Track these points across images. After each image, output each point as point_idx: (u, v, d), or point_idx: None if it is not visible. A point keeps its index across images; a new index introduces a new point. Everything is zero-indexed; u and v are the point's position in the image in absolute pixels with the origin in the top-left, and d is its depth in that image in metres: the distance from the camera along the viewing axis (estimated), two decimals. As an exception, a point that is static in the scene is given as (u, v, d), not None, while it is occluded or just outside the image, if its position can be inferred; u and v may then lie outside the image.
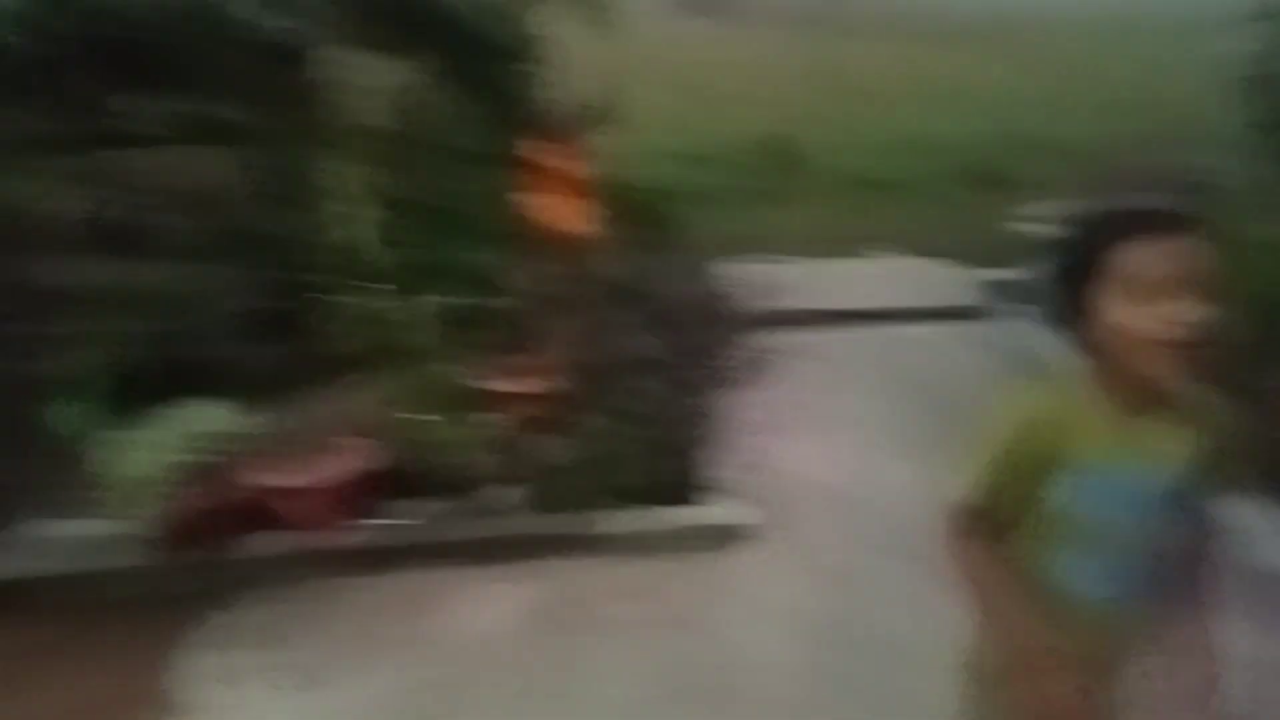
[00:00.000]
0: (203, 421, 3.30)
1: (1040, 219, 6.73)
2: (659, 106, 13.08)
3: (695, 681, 2.84)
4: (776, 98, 12.67)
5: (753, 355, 4.50)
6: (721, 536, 3.51)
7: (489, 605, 3.21)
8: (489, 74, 4.00)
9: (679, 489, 3.61)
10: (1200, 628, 1.57)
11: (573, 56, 4.31)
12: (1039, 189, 7.70)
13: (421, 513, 3.50)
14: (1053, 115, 11.50)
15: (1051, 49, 19.98)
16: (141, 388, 3.34)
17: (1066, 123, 10.84)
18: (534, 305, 3.88)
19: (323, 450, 3.42)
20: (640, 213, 4.35)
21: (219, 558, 3.30)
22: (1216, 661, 1.56)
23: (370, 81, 3.77)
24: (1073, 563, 1.47)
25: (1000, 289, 6.04)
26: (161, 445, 3.20)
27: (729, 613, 3.16)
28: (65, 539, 3.34)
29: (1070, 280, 1.42)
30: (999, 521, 1.49)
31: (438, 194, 3.87)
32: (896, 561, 3.31)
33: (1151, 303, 1.32)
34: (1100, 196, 1.46)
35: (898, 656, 2.87)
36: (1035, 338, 5.27)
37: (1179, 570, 1.53)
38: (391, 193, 3.77)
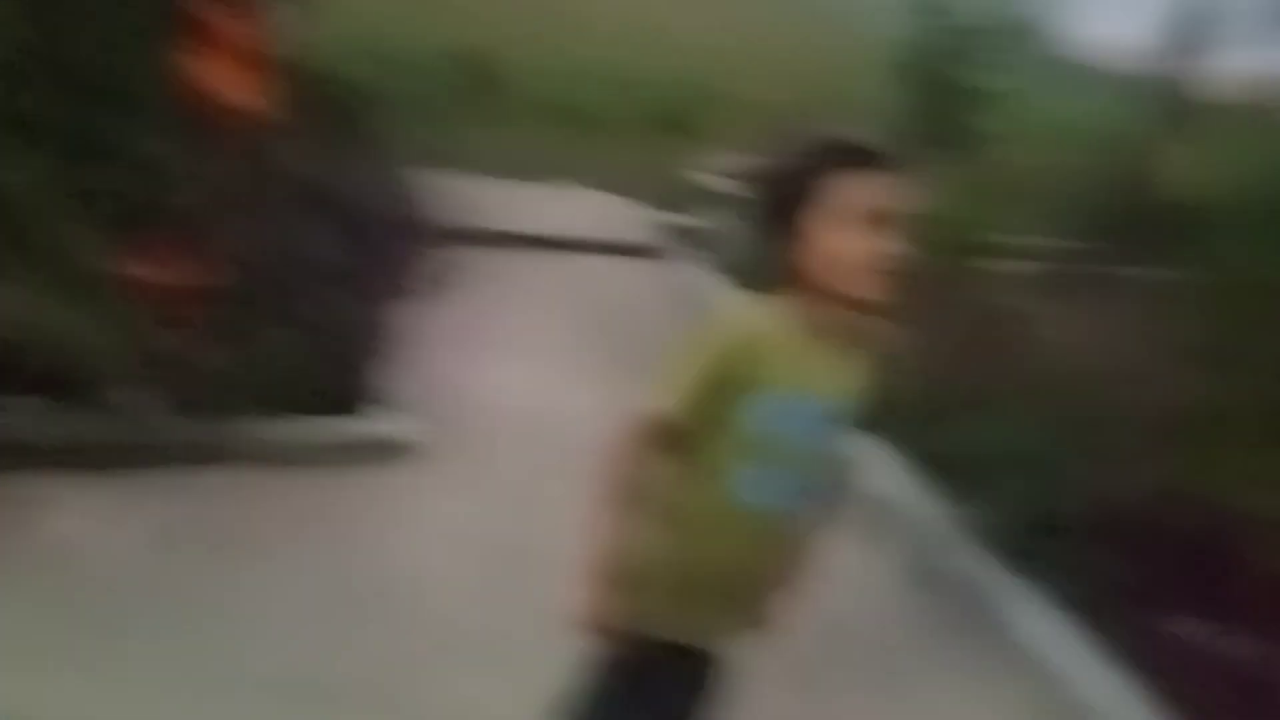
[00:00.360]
0: None
1: (717, 171, 7.17)
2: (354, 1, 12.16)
3: (349, 599, 2.71)
4: (481, 14, 12.25)
5: (437, 270, 4.35)
6: (387, 451, 3.39)
7: (109, 519, 2.84)
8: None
9: (344, 400, 3.42)
10: (818, 540, 1.74)
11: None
12: (716, 140, 8.18)
13: (29, 411, 3.02)
14: (733, 70, 12.12)
15: (744, 6, 21.11)
16: None
17: (744, 80, 11.47)
18: (189, 185, 3.44)
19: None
20: (326, 104, 4.00)
21: None
22: (811, 571, 1.75)
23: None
24: (749, 477, 1.53)
25: (677, 232, 6.35)
26: None
27: (389, 529, 3.06)
28: None
29: (783, 205, 1.47)
30: (681, 436, 1.52)
31: (62, 45, 3.26)
32: (568, 483, 3.35)
33: (858, 232, 1.41)
34: (780, 150, 1.52)
35: (562, 574, 2.88)
36: (706, 281, 5.63)
37: (826, 489, 1.66)
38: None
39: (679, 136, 8.89)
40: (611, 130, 8.84)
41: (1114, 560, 3.15)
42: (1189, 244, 6.08)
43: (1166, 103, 7.44)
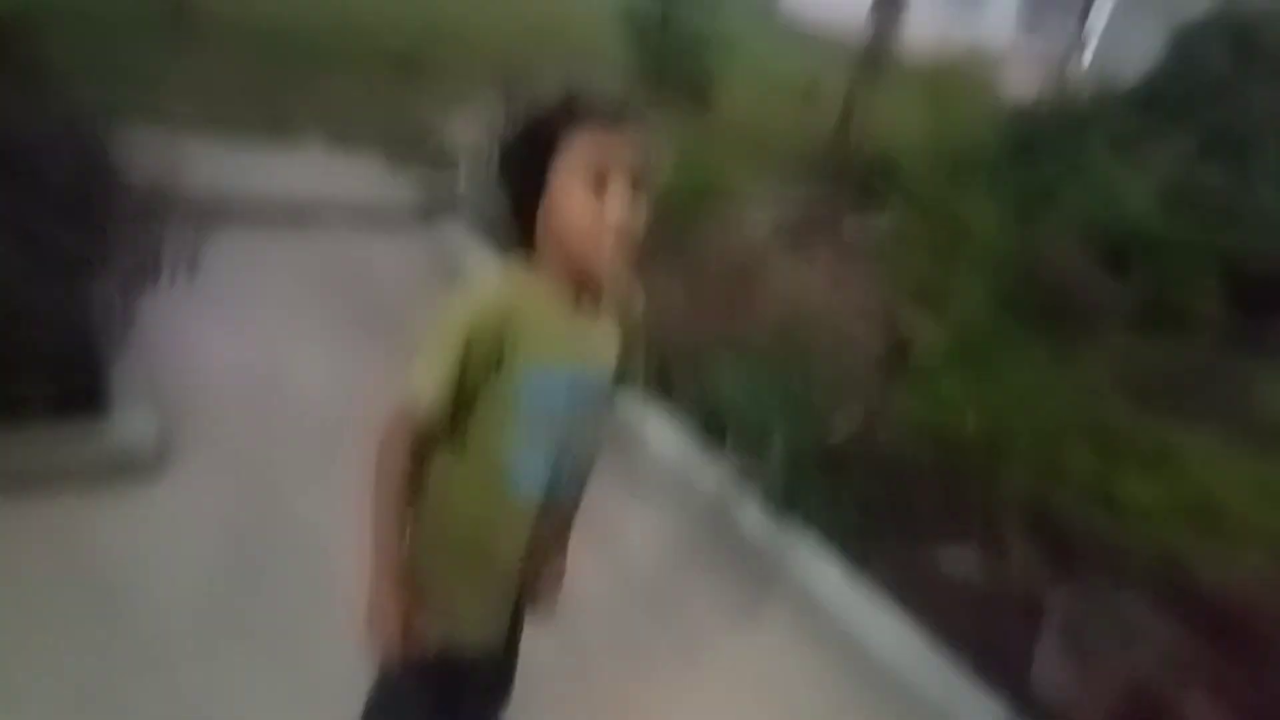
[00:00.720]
0: None
1: (462, 125, 6.91)
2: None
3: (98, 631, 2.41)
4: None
5: (156, 245, 3.85)
6: (124, 459, 2.98)
7: None
8: None
9: (55, 402, 2.92)
10: (573, 515, 1.73)
11: None
12: (452, 89, 7.77)
13: None
14: (463, 12, 11.58)
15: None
16: None
17: (474, 22, 10.99)
18: None
19: None
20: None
21: None
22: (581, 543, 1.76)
23: None
24: (517, 458, 1.49)
25: (428, 192, 6.08)
26: None
27: (131, 546, 2.71)
28: None
29: (526, 162, 1.44)
30: (442, 424, 1.45)
31: None
32: (324, 464, 3.18)
33: (601, 191, 1.39)
34: (525, 106, 1.50)
35: (323, 560, 2.72)
36: (463, 245, 5.45)
37: (591, 461, 1.65)
38: None
39: (413, 81, 8.33)
40: (338, 71, 8.05)
41: (870, 495, 3.45)
42: (896, 192, 6.69)
43: (871, 62, 8.06)
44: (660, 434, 3.79)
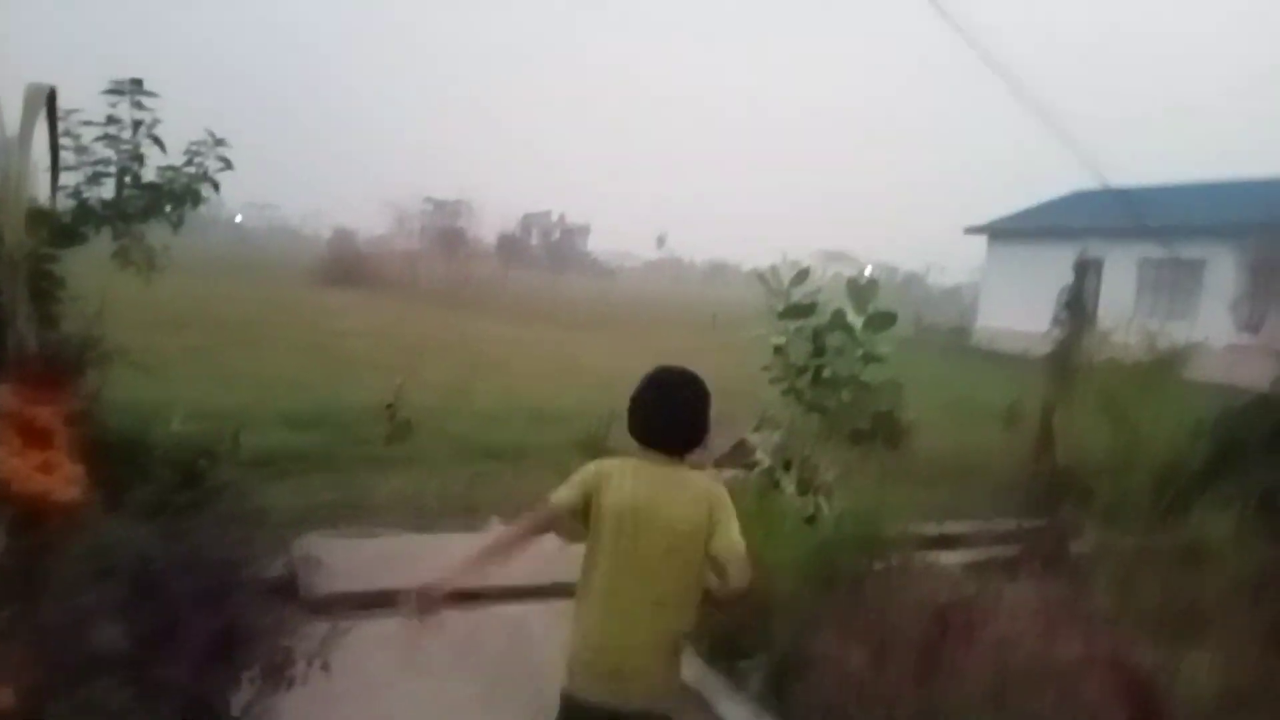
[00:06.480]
0: None
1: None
2: (279, 367, 12.50)
3: None
4: (402, 365, 12.55)
5: (312, 644, 3.82)
6: None
7: None
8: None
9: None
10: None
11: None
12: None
13: None
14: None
15: (654, 336, 22.42)
16: None
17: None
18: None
19: None
20: (154, 469, 3.73)
21: None
22: None
23: None
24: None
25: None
26: None
27: None
28: None
29: None
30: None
31: None
32: None
33: None
34: None
35: None
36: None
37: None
38: None
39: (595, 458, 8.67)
40: (539, 461, 8.65)
41: None
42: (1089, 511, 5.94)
43: (1060, 375, 7.64)
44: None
